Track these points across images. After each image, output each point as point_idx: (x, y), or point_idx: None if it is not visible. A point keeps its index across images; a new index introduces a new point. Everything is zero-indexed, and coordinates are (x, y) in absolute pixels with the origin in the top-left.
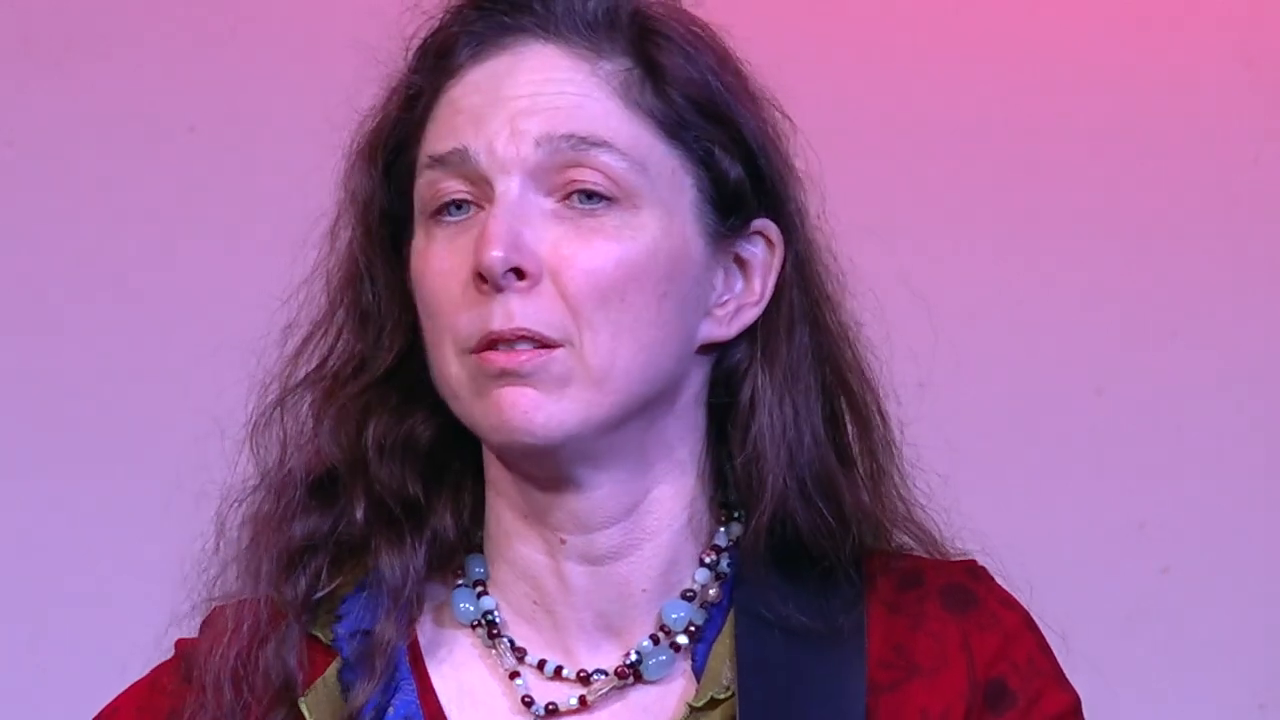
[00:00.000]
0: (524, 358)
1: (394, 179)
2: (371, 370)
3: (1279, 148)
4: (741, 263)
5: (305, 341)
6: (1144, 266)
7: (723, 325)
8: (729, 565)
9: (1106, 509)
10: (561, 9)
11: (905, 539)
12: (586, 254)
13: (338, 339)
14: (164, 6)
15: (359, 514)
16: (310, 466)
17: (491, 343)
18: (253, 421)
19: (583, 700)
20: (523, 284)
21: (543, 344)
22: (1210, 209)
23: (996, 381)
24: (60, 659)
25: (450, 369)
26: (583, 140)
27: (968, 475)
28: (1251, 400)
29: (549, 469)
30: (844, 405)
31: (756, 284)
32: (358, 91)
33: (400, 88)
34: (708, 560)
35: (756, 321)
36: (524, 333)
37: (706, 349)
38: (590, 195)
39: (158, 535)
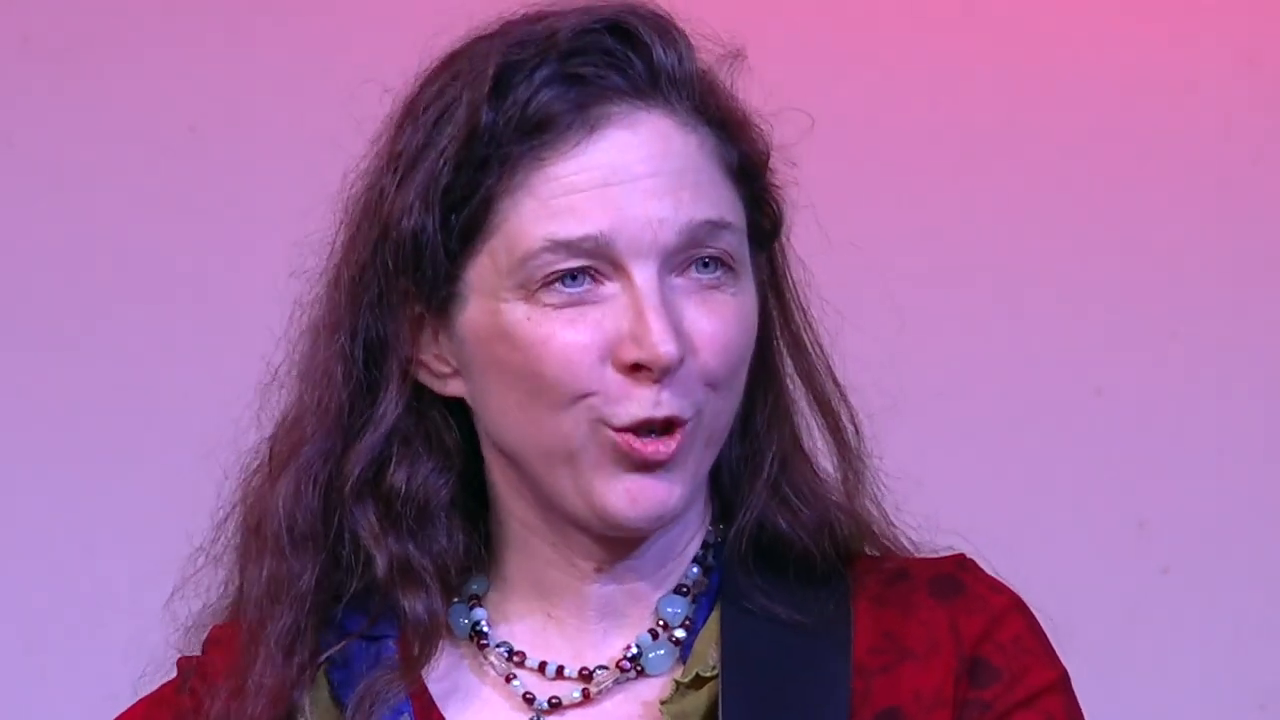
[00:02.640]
0: (672, 448)
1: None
2: (373, 434)
3: (1279, 147)
4: None
5: (296, 416)
6: (1144, 267)
7: None
8: (715, 558)
9: (1106, 509)
10: (663, 73)
11: (887, 545)
12: (721, 331)
13: (331, 400)
14: (164, 7)
15: (380, 571)
16: (308, 527)
17: (638, 427)
18: (243, 485)
19: (586, 694)
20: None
21: (682, 424)
22: (1210, 209)
23: (996, 382)
24: (58, 662)
25: (573, 429)
26: (715, 225)
27: (968, 476)
28: (1251, 400)
29: (639, 532)
30: (819, 414)
31: None
32: (359, 92)
33: (465, 144)
34: (697, 555)
35: None
36: (673, 419)
37: None
38: (708, 263)
39: (159, 539)
